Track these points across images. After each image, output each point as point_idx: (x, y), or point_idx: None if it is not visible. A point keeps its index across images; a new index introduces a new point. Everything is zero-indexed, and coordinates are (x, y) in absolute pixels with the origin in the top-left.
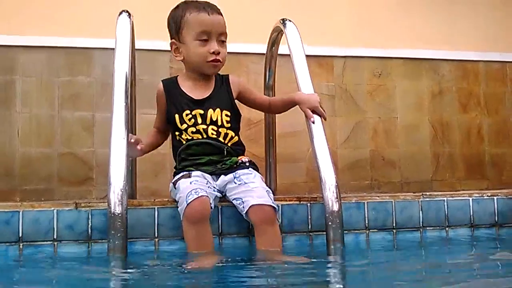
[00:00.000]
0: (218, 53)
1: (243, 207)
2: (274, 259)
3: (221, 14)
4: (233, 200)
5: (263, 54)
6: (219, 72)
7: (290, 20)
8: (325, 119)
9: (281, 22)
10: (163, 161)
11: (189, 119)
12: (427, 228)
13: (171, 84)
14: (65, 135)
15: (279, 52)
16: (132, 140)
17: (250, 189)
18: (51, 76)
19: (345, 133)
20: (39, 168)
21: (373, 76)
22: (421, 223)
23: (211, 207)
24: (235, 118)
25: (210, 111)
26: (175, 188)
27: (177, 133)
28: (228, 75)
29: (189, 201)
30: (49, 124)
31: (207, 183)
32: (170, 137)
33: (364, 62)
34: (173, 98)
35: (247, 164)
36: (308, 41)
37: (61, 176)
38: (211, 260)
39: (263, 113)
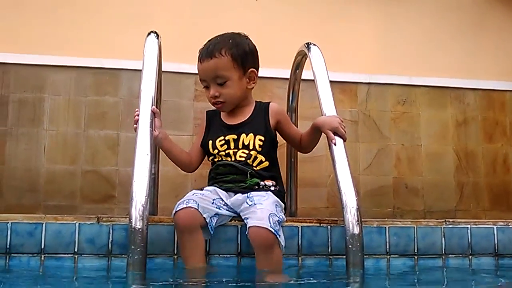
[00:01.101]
0: (217, 97)
1: (246, 227)
2: (271, 279)
3: (216, 56)
4: (243, 219)
5: (287, 79)
6: (261, 101)
7: (314, 44)
8: (344, 140)
9: (306, 46)
10: (184, 182)
11: (221, 145)
12: (450, 255)
13: (213, 114)
14: (90, 153)
15: (302, 78)
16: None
17: (254, 210)
18: (79, 95)
19: (368, 159)
20: (63, 184)
21: (397, 103)
22: (443, 250)
23: (206, 222)
24: (270, 144)
25: (243, 135)
26: None
27: (210, 157)
28: (269, 102)
29: (177, 209)
30: (74, 142)
31: (214, 200)
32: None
33: (389, 89)
34: (211, 126)
35: (271, 188)
36: (332, 67)
37: (84, 193)
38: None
39: None
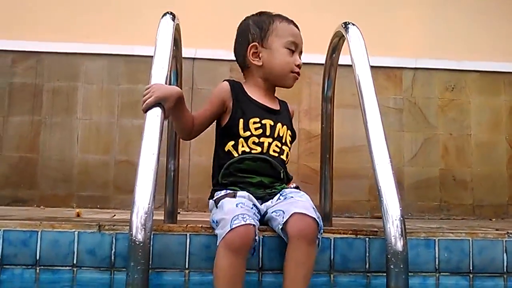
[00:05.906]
0: (299, 68)
1: (283, 217)
2: None
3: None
4: (272, 213)
5: None
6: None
7: (353, 24)
8: None
9: (343, 26)
10: None
11: (256, 128)
12: None
13: (237, 87)
14: (123, 143)
15: (342, 63)
16: None
17: (294, 201)
18: (112, 83)
19: (413, 149)
20: (96, 175)
21: (446, 90)
22: (505, 268)
23: (256, 239)
24: (292, 141)
25: (279, 125)
26: (216, 207)
27: (231, 142)
28: (286, 101)
29: (234, 225)
30: (107, 131)
31: (252, 208)
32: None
33: (436, 75)
34: (240, 102)
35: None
36: (376, 51)
37: (117, 183)
38: None
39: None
